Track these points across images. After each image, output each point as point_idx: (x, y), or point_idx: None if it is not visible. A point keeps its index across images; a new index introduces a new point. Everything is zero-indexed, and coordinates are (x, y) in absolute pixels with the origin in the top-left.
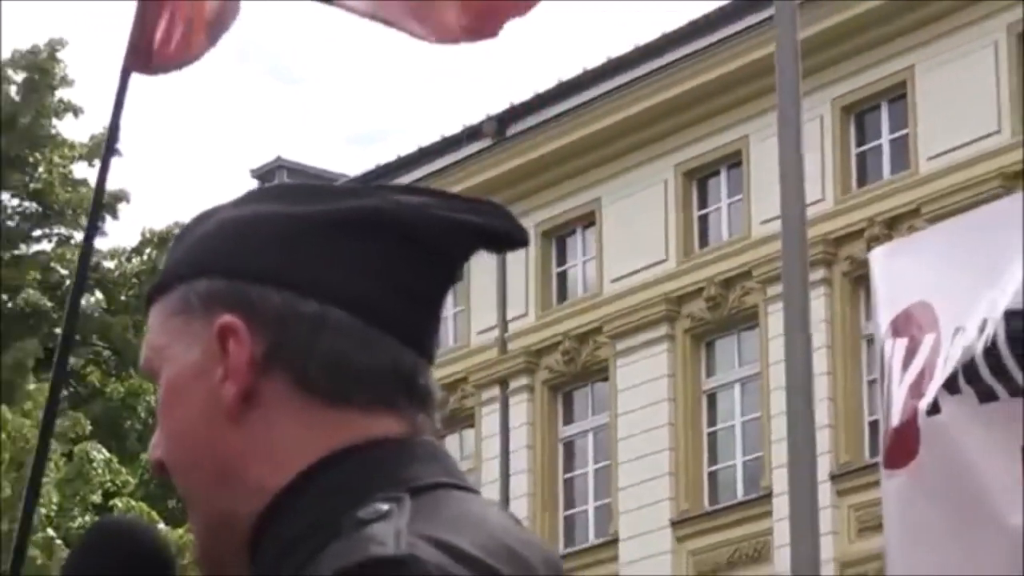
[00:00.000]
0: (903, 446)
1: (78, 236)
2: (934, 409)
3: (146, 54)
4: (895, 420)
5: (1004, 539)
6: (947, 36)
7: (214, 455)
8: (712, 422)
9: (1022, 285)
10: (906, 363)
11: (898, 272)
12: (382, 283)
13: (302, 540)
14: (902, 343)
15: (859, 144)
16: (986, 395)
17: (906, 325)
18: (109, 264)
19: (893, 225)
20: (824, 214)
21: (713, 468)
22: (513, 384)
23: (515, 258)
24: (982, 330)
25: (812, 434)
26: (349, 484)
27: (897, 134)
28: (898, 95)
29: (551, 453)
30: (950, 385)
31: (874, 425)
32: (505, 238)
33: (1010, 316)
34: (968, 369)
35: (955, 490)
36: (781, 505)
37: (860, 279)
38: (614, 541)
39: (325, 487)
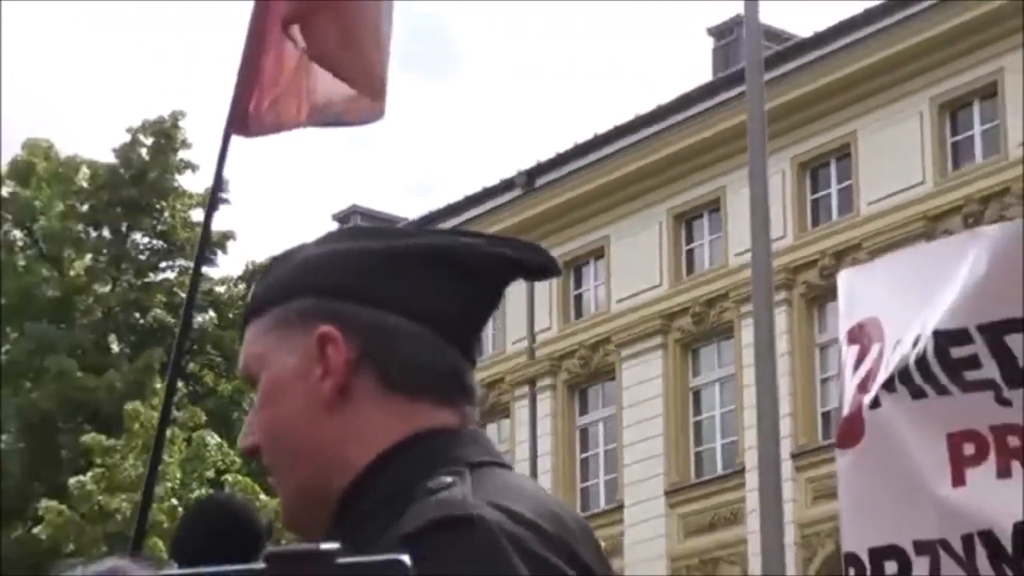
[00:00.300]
0: (852, 431)
1: None
2: (875, 403)
3: (243, 120)
4: (846, 410)
5: (933, 507)
6: (883, 107)
7: (312, 440)
8: (697, 413)
9: (949, 309)
10: (856, 366)
11: (857, 291)
12: (444, 303)
13: (383, 507)
14: (855, 349)
15: (812, 192)
16: (917, 393)
17: (859, 335)
18: (220, 289)
19: (840, 257)
20: (785, 248)
21: (698, 449)
22: (539, 383)
23: (541, 284)
24: (915, 344)
25: (776, 422)
26: (419, 463)
27: (843, 184)
28: (844, 154)
29: (569, 438)
30: (888, 385)
31: (826, 415)
32: (540, 271)
33: (937, 334)
34: (903, 373)
35: (893, 467)
36: (752, 479)
37: (814, 300)
38: (620, 507)
39: (400, 465)
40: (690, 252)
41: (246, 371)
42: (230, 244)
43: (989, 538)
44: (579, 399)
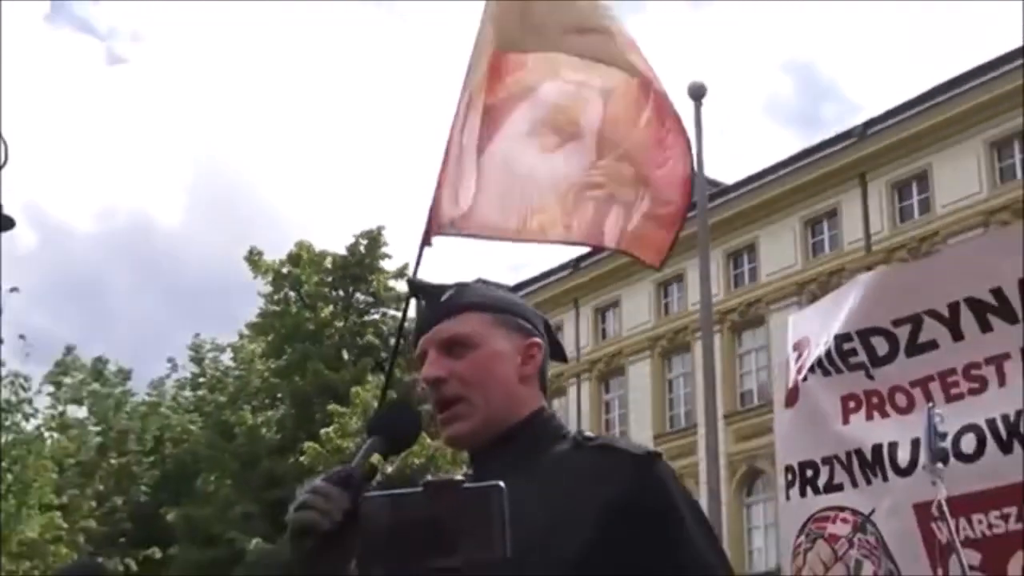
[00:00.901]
0: (792, 396)
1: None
2: (805, 379)
3: (433, 227)
4: (790, 383)
5: (831, 436)
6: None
7: (508, 394)
8: (671, 393)
9: (841, 322)
10: (796, 361)
11: (799, 323)
12: (551, 342)
13: (543, 438)
14: (796, 354)
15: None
16: (825, 372)
17: (799, 347)
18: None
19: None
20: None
21: (671, 413)
22: (583, 376)
23: (581, 326)
24: (826, 344)
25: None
26: (548, 422)
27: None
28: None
29: (599, 411)
30: (812, 368)
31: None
32: (562, 354)
33: (835, 337)
34: (819, 361)
35: (812, 415)
36: (701, 433)
37: (735, 327)
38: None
39: (539, 420)
40: (668, 304)
41: (465, 337)
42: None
43: (860, 454)
44: (605, 386)
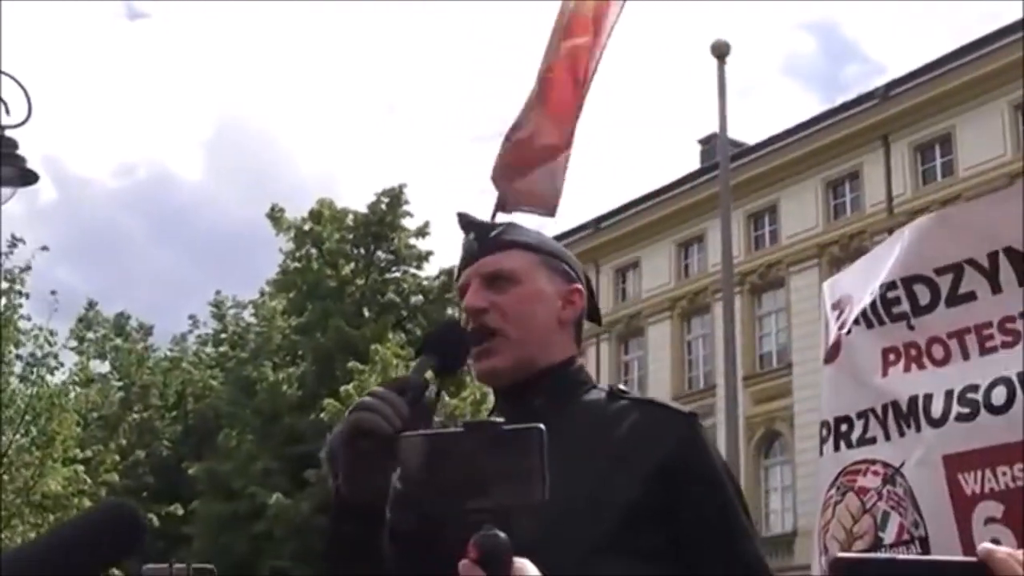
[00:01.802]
0: (835, 351)
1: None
2: (848, 332)
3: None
4: (831, 339)
5: (869, 389)
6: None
7: (545, 334)
8: (690, 354)
9: (886, 270)
10: (837, 319)
11: (836, 282)
12: (590, 299)
13: (579, 384)
14: (836, 311)
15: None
16: (869, 324)
17: (839, 304)
18: (426, 283)
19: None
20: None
21: (690, 375)
22: (602, 337)
23: (601, 288)
24: (871, 295)
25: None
26: (579, 371)
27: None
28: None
29: (618, 372)
30: (855, 321)
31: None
32: (597, 315)
33: (880, 285)
34: (863, 312)
35: (852, 369)
36: (720, 395)
37: (755, 289)
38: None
39: (574, 367)
40: (688, 266)
41: (505, 272)
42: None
43: (895, 406)
44: (625, 346)
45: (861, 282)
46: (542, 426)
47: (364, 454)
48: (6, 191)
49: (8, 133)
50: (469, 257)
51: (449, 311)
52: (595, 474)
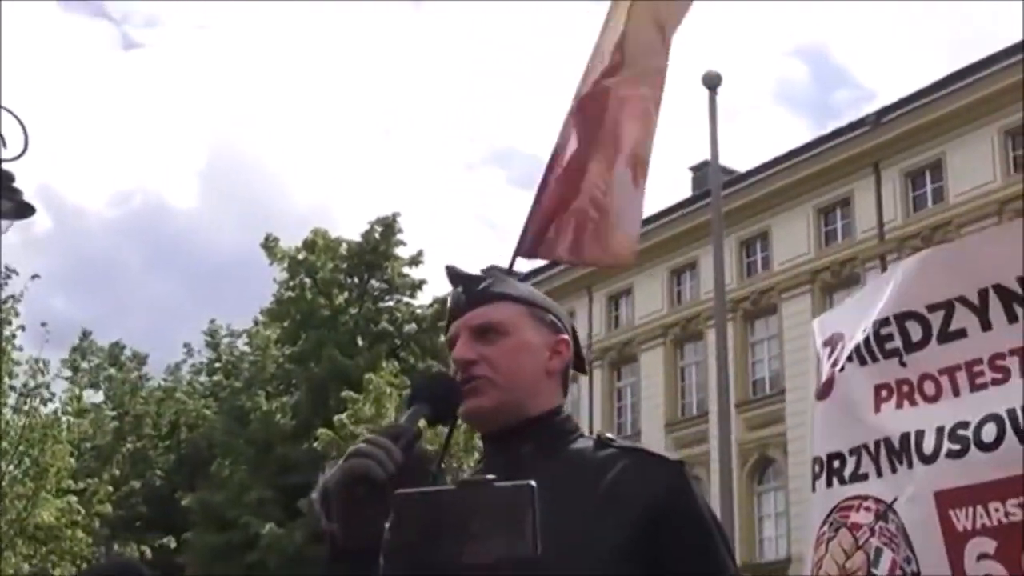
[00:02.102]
0: (827, 388)
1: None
2: (841, 369)
3: (530, 246)
4: (824, 377)
5: (861, 426)
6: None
7: (533, 384)
8: (683, 381)
9: (880, 307)
10: (829, 356)
11: (826, 319)
12: (575, 350)
13: (566, 432)
14: (828, 348)
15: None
16: (862, 361)
17: (829, 341)
18: (419, 311)
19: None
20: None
21: (683, 401)
22: (595, 364)
23: (594, 315)
24: (864, 332)
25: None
26: (565, 420)
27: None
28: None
29: (611, 399)
30: (849, 357)
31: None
32: (581, 365)
33: (873, 323)
34: (856, 349)
35: (845, 406)
36: (713, 421)
37: (748, 316)
38: (638, 435)
39: (562, 416)
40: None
41: (494, 324)
42: (424, 287)
43: (888, 443)
44: (617, 374)
45: (853, 319)
46: (533, 483)
47: (359, 500)
48: (3, 223)
49: (5, 166)
50: (457, 309)
51: (443, 339)
52: (583, 519)
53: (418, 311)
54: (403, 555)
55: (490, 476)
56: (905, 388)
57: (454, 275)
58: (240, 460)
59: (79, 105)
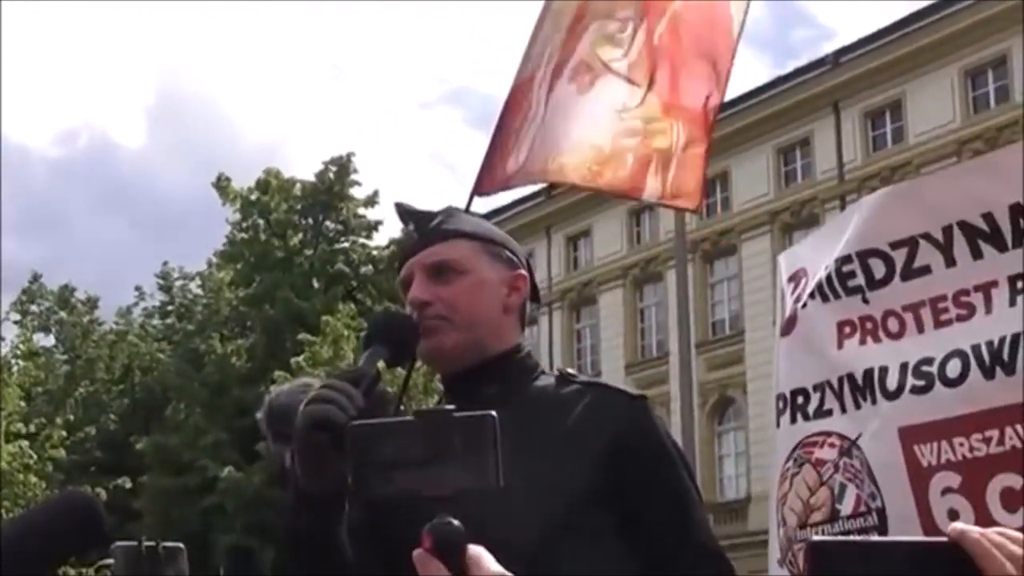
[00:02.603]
0: (791, 324)
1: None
2: (804, 306)
3: (483, 181)
4: (787, 312)
5: (825, 362)
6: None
7: (491, 320)
8: (643, 322)
9: (842, 244)
10: (793, 291)
11: (791, 254)
12: (534, 285)
13: (528, 370)
14: (792, 284)
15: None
16: (824, 298)
17: (795, 277)
18: (375, 253)
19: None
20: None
21: (643, 343)
22: (555, 306)
23: (553, 256)
24: (826, 269)
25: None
26: (525, 357)
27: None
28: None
29: (571, 341)
30: (811, 294)
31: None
32: (536, 295)
33: (836, 260)
34: (819, 285)
35: (808, 342)
36: (674, 362)
37: (707, 256)
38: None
39: (522, 354)
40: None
41: (449, 263)
42: (380, 228)
43: (851, 379)
44: (577, 315)
45: (817, 255)
46: (494, 413)
47: (321, 446)
48: None
49: None
50: (410, 248)
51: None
52: (546, 457)
53: (374, 252)
54: (360, 489)
55: (449, 406)
56: (868, 325)
57: (404, 212)
58: (195, 403)
59: (21, 39)
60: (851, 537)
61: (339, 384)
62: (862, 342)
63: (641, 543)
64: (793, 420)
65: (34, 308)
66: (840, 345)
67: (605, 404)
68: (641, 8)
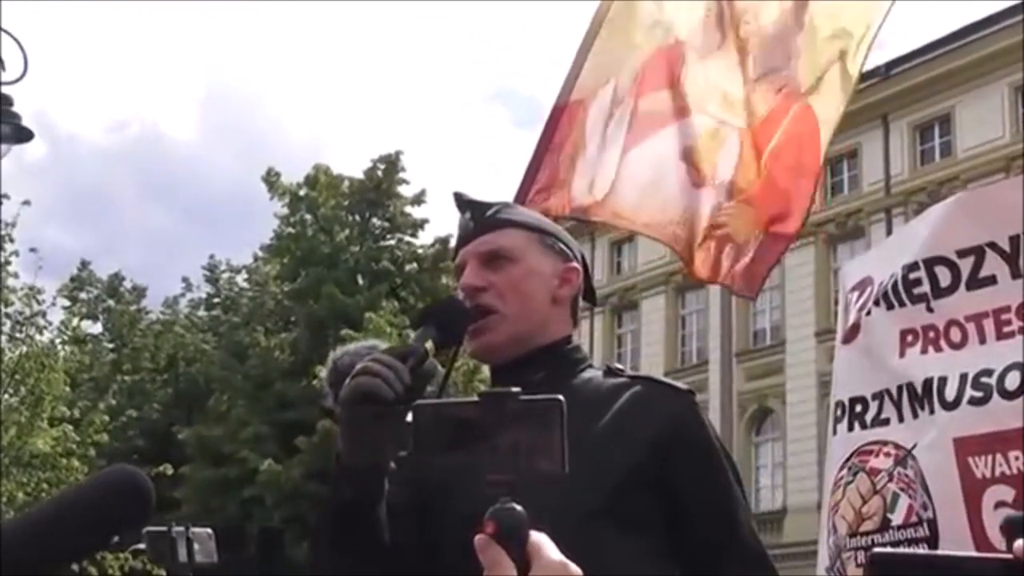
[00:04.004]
0: (853, 332)
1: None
2: (868, 313)
3: (523, 196)
4: (851, 320)
5: (885, 371)
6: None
7: (541, 311)
8: (684, 329)
9: (913, 248)
10: (858, 300)
11: (857, 263)
12: (586, 279)
13: (576, 361)
14: (856, 293)
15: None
16: (889, 306)
17: (859, 285)
18: (420, 251)
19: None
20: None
21: (683, 349)
22: (596, 310)
23: (596, 260)
24: (892, 278)
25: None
26: (574, 349)
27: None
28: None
29: (612, 346)
30: (876, 302)
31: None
32: (592, 296)
33: (903, 267)
34: (884, 294)
35: (870, 350)
36: (713, 370)
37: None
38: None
39: (571, 346)
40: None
41: (502, 251)
42: (426, 227)
43: (910, 388)
44: (618, 319)
45: (883, 264)
46: (562, 398)
47: (365, 419)
48: (1, 147)
49: (4, 89)
50: (465, 236)
51: (443, 280)
52: (592, 444)
53: (419, 251)
54: (422, 471)
55: (515, 388)
56: (931, 334)
57: (462, 201)
58: (238, 395)
59: (75, 29)
60: (914, 550)
61: (387, 359)
62: (923, 351)
63: (685, 537)
64: (850, 428)
65: (83, 296)
66: (902, 353)
67: (654, 396)
68: (750, 122)
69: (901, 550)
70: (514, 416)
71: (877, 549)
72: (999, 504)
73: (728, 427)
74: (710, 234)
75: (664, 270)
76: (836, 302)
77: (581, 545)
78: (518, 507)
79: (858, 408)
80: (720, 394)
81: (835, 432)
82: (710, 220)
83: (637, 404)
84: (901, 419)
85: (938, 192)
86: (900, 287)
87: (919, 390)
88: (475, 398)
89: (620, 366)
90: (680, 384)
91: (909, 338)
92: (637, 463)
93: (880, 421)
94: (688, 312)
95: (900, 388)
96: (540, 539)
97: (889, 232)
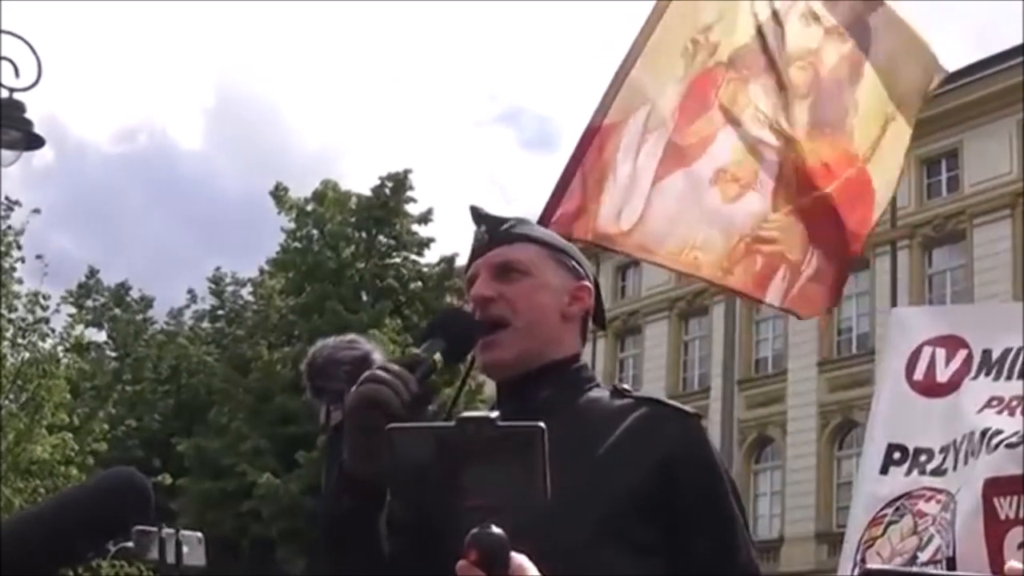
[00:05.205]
0: (940, 388)
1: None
2: (973, 378)
3: (548, 217)
4: (941, 378)
5: (963, 423)
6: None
7: (550, 327)
8: (686, 355)
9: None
10: (947, 357)
11: (942, 316)
12: (599, 304)
13: (583, 380)
14: (943, 351)
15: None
16: (998, 376)
17: (945, 344)
18: (425, 270)
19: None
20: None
21: (685, 375)
22: (599, 334)
23: (601, 284)
24: (1006, 352)
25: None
26: (585, 369)
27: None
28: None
29: (614, 370)
30: (987, 371)
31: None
32: (602, 320)
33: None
34: (995, 364)
35: (956, 410)
36: (715, 397)
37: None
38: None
39: (579, 364)
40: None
41: (514, 263)
42: (432, 246)
43: (970, 437)
44: (622, 343)
45: (981, 331)
46: (543, 425)
47: (371, 427)
48: (9, 155)
49: (16, 95)
50: (479, 248)
51: (448, 299)
52: (595, 464)
53: (424, 269)
54: (399, 492)
55: (493, 414)
56: (1014, 403)
57: (478, 215)
58: (238, 408)
59: (86, 36)
60: (904, 568)
61: (395, 368)
62: (999, 412)
63: (684, 560)
64: (909, 473)
65: (89, 303)
66: (980, 411)
67: (660, 417)
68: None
69: (890, 567)
70: (491, 442)
71: (869, 565)
72: (1021, 545)
73: (728, 454)
74: (755, 248)
75: (668, 296)
76: (839, 332)
77: (581, 567)
78: (498, 531)
79: (923, 458)
80: (721, 421)
81: (886, 472)
82: (753, 229)
83: (643, 425)
84: (955, 468)
85: (943, 226)
86: (1015, 362)
87: (977, 438)
88: (452, 423)
89: (627, 387)
90: (686, 407)
91: (994, 403)
92: (641, 485)
93: (940, 471)
94: (691, 338)
95: (964, 437)
96: (520, 561)
97: (894, 264)
